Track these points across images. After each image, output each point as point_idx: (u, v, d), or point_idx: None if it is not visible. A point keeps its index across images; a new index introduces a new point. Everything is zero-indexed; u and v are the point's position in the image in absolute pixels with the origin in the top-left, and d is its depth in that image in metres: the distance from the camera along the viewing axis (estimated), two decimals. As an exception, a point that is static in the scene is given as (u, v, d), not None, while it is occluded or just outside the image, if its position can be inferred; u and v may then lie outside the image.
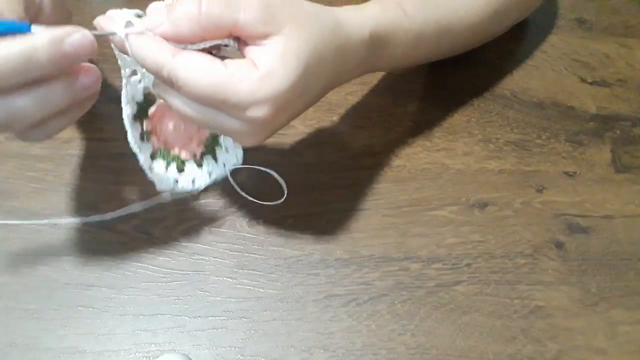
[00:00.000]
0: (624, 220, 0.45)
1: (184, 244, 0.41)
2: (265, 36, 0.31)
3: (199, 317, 0.38)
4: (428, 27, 0.42)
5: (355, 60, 0.37)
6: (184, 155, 0.41)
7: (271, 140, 0.46)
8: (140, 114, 0.38)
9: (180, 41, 0.31)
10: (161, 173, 0.40)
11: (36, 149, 0.44)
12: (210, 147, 0.42)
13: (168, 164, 0.41)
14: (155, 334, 0.38)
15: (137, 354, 0.37)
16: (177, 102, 0.32)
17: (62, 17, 0.35)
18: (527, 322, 0.40)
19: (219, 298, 0.39)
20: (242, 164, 0.42)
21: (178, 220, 0.42)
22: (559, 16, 0.59)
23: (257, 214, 0.43)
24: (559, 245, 0.44)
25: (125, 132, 0.36)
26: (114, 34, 0.31)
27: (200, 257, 0.41)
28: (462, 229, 0.44)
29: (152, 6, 0.32)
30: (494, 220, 0.44)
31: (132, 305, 0.38)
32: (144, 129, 0.39)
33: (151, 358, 0.37)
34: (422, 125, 0.49)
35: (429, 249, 0.43)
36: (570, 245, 0.44)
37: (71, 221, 0.41)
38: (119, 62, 0.34)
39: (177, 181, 0.41)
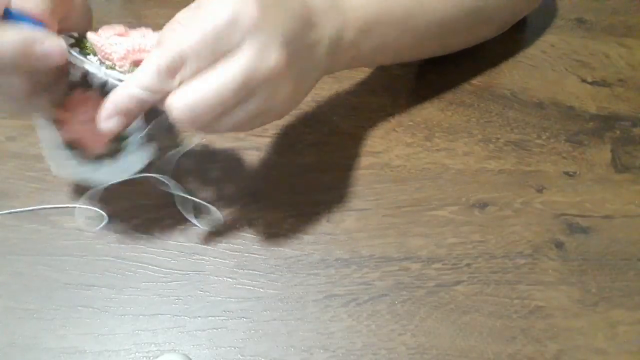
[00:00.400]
0: (624, 220, 0.45)
1: (184, 244, 0.41)
2: None
3: (199, 317, 0.38)
4: (416, 17, 0.42)
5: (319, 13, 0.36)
6: (93, 150, 0.39)
7: (271, 140, 0.47)
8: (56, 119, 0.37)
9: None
10: (60, 160, 0.38)
11: (36, 149, 0.44)
12: (121, 144, 0.39)
13: (73, 159, 0.38)
14: (155, 334, 0.38)
15: (137, 354, 0.37)
16: (200, 86, 0.32)
17: (87, 18, 0.36)
18: (527, 322, 0.40)
19: (219, 298, 0.39)
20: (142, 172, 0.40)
21: (178, 220, 0.42)
22: (559, 16, 0.59)
23: (257, 214, 0.43)
24: (559, 245, 0.44)
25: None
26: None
27: (200, 257, 0.41)
28: (462, 229, 0.44)
29: None
30: (494, 220, 0.44)
31: (132, 305, 0.38)
32: (56, 117, 0.37)
33: (151, 358, 0.37)
34: (422, 125, 0.49)
35: (429, 249, 0.43)
36: (570, 245, 0.44)
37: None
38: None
39: (95, 173, 0.39)
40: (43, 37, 0.30)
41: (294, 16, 0.34)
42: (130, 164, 0.39)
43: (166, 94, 0.31)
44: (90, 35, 0.33)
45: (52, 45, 0.30)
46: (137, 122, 0.39)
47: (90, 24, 0.35)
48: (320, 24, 0.36)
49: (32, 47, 0.29)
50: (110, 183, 0.39)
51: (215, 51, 0.31)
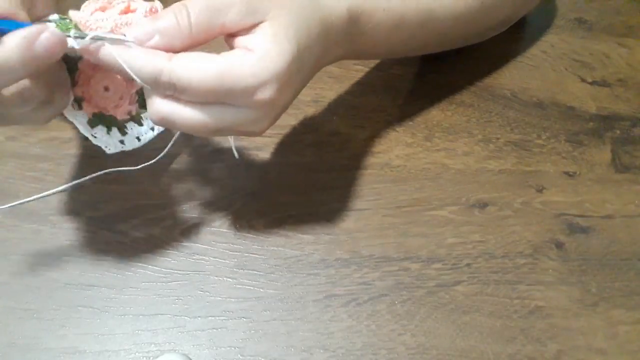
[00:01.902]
0: (624, 220, 0.45)
1: (184, 244, 0.41)
2: (253, 26, 0.31)
3: (199, 317, 0.38)
4: (408, 9, 0.42)
5: (338, 35, 0.37)
6: (119, 115, 0.39)
7: (271, 140, 0.47)
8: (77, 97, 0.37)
9: (171, 51, 0.31)
10: (104, 137, 0.38)
11: (36, 149, 0.44)
12: (144, 102, 0.39)
13: (109, 129, 0.39)
14: (155, 334, 0.38)
15: (137, 354, 0.37)
16: (183, 112, 0.32)
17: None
18: (527, 322, 0.40)
19: (219, 298, 0.39)
20: None
21: (178, 220, 0.42)
22: (559, 16, 0.59)
23: (257, 214, 0.43)
24: (559, 245, 0.44)
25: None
26: (102, 43, 0.31)
27: (200, 257, 0.41)
28: (462, 229, 0.44)
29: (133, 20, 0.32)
30: (494, 220, 0.44)
31: (132, 305, 0.38)
32: (74, 95, 0.37)
33: (151, 358, 0.37)
34: (422, 125, 0.49)
35: (429, 249, 0.43)
36: (570, 245, 0.44)
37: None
38: None
39: (123, 142, 0.39)
40: (36, 33, 0.28)
41: (302, 82, 0.35)
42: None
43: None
44: (72, 13, 0.32)
45: (49, 36, 0.29)
46: None
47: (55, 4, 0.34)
48: (329, 49, 0.37)
49: (32, 46, 0.28)
50: (145, 142, 0.39)
51: (218, 100, 0.31)
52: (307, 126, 0.48)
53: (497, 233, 0.44)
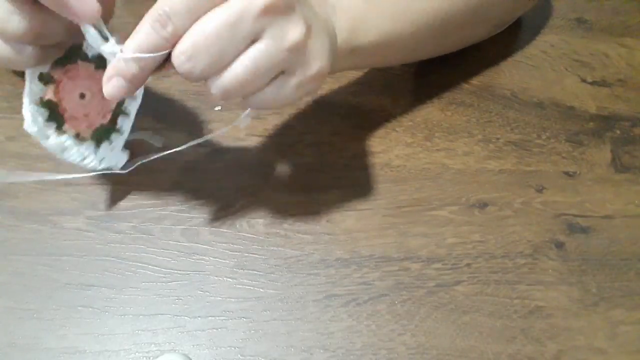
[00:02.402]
0: (624, 220, 0.45)
1: (184, 244, 0.41)
2: None
3: (199, 317, 0.38)
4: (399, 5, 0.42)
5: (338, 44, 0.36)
6: (67, 124, 0.38)
7: (271, 140, 0.47)
8: (58, 60, 0.37)
9: None
10: (35, 118, 0.38)
11: (36, 149, 0.44)
12: (98, 138, 0.39)
13: (49, 120, 0.38)
14: (155, 334, 0.38)
15: (137, 354, 0.37)
16: (197, 26, 0.30)
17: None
18: (527, 322, 0.40)
19: (219, 298, 0.39)
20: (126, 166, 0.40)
21: (178, 220, 0.42)
22: (559, 16, 0.59)
23: (257, 214, 0.43)
24: (559, 245, 0.44)
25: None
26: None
27: (200, 257, 0.41)
28: (462, 229, 0.44)
29: None
30: (494, 220, 0.44)
31: (132, 305, 0.38)
32: (49, 71, 0.37)
33: (151, 358, 0.37)
34: (422, 125, 0.49)
35: (429, 249, 0.43)
36: (570, 245, 0.44)
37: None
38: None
39: (47, 137, 0.38)
40: None
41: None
42: (104, 157, 0.40)
43: (163, 49, 0.30)
44: None
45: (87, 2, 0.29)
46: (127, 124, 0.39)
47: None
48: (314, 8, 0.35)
49: None
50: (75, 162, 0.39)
51: (233, 40, 0.30)
52: (307, 126, 0.48)
53: (497, 233, 0.44)
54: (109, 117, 0.39)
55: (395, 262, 0.42)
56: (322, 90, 0.50)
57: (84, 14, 0.30)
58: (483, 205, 0.45)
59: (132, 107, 0.39)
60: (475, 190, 0.46)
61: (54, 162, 0.43)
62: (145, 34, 0.30)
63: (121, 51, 0.31)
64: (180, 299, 0.39)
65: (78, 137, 0.39)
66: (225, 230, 0.42)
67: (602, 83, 0.54)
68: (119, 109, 0.39)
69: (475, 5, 0.46)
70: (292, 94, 0.33)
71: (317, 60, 0.33)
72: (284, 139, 0.47)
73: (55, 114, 0.38)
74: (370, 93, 0.51)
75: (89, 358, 0.36)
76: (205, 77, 0.32)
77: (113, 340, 0.37)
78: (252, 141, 0.46)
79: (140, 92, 0.38)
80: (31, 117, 0.37)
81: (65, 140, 0.38)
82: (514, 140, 0.49)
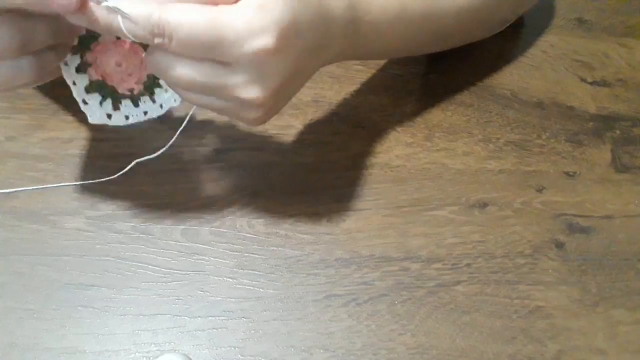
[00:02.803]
0: (624, 220, 0.45)
1: (184, 244, 0.41)
2: None
3: (199, 317, 0.38)
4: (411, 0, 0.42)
5: (337, 22, 0.36)
6: (120, 90, 0.40)
7: (271, 140, 0.47)
8: (82, 47, 0.37)
9: None
10: (94, 106, 0.39)
11: (36, 149, 0.44)
12: (149, 87, 0.41)
13: (103, 99, 0.39)
14: (155, 334, 0.38)
15: (137, 354, 0.37)
16: (173, 62, 0.32)
17: None
18: (527, 322, 0.40)
19: (219, 298, 0.39)
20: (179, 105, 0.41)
21: (178, 220, 0.42)
22: (559, 16, 0.59)
23: (257, 214, 0.43)
24: (559, 245, 0.44)
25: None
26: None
27: (200, 257, 0.41)
28: (462, 229, 0.44)
29: None
30: (494, 220, 0.44)
31: (132, 305, 0.38)
32: (83, 60, 0.37)
33: (151, 358, 0.37)
34: (422, 125, 0.49)
35: (429, 249, 0.43)
36: (570, 245, 0.44)
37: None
38: None
39: (110, 116, 0.39)
40: None
41: (305, 47, 0.33)
42: (164, 102, 0.41)
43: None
44: None
45: None
46: None
47: None
48: (333, 33, 0.36)
49: None
50: (140, 121, 0.40)
51: (209, 50, 0.30)
52: (307, 126, 0.48)
53: (497, 233, 0.44)
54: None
55: (395, 262, 0.42)
56: (322, 91, 0.50)
57: (62, 5, 0.29)
58: (483, 205, 0.45)
59: None
60: (475, 190, 0.46)
61: (54, 162, 0.44)
62: (135, 21, 0.30)
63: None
64: (180, 299, 0.39)
65: (133, 94, 0.40)
66: (225, 230, 0.42)
67: (602, 83, 0.54)
68: None
69: (479, 3, 0.46)
70: (218, 112, 0.36)
71: (252, 115, 0.34)
72: (284, 139, 0.47)
73: (106, 90, 0.39)
74: (370, 93, 0.51)
75: (89, 358, 0.36)
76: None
77: (113, 340, 0.37)
78: (252, 141, 0.46)
79: None
80: (89, 110, 0.38)
81: (123, 108, 0.40)
82: (514, 140, 0.49)
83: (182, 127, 0.43)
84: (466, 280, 0.41)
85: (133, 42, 0.37)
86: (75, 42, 0.36)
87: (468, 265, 0.42)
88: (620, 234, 0.45)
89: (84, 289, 0.39)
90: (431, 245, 0.43)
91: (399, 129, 0.49)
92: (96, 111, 0.39)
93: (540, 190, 0.46)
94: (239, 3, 0.30)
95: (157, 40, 0.30)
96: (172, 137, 0.43)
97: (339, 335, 0.38)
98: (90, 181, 0.42)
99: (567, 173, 0.48)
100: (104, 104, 0.39)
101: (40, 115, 0.46)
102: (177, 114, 0.47)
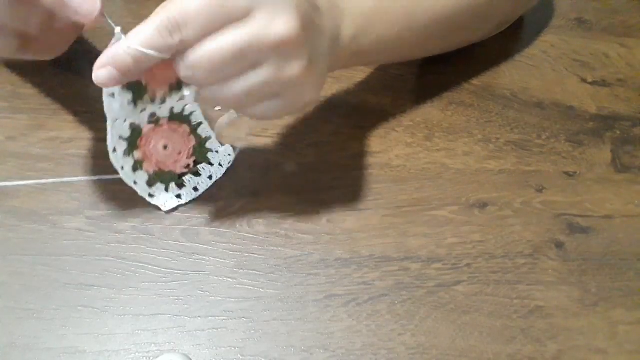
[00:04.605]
0: (624, 220, 0.45)
1: (184, 244, 0.41)
2: None
3: (199, 317, 0.38)
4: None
5: (325, 23, 0.36)
6: (178, 170, 0.42)
7: (271, 140, 0.47)
8: (130, 148, 0.39)
9: None
10: (162, 195, 0.42)
11: (36, 149, 0.44)
12: (201, 154, 0.43)
13: (167, 185, 0.42)
14: (155, 334, 0.38)
15: (137, 354, 0.37)
16: (200, 48, 0.31)
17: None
18: (527, 322, 0.40)
19: (219, 298, 0.39)
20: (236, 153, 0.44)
21: (178, 220, 0.42)
22: (559, 16, 0.59)
23: (257, 214, 0.43)
24: (559, 245, 0.44)
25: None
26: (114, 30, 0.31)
27: (200, 257, 0.41)
28: (462, 229, 0.44)
29: None
30: (494, 220, 0.44)
31: (132, 305, 0.38)
32: (135, 159, 0.40)
33: (151, 358, 0.37)
34: (422, 125, 0.49)
35: (429, 249, 0.43)
36: (570, 245, 0.44)
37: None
38: (105, 109, 0.35)
39: (179, 196, 0.42)
40: None
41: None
42: (221, 160, 0.44)
43: (166, 53, 0.31)
44: None
45: (85, 2, 0.30)
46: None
47: None
48: (322, 18, 0.36)
49: None
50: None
51: (221, 14, 0.30)
52: (307, 126, 0.48)
53: (497, 233, 0.44)
54: (192, 159, 0.43)
55: (395, 262, 0.42)
56: (322, 90, 0.50)
57: (85, 13, 0.30)
58: (483, 205, 0.45)
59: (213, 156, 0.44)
60: (475, 190, 0.46)
61: (54, 162, 0.44)
62: (150, 34, 0.30)
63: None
64: (180, 299, 0.39)
65: (190, 169, 0.43)
66: (225, 230, 0.42)
67: (602, 83, 0.54)
68: (200, 149, 0.43)
69: (479, 4, 0.46)
70: (278, 114, 0.36)
71: (309, 93, 0.35)
72: (284, 139, 0.47)
73: (165, 177, 0.42)
74: (370, 93, 0.51)
75: (89, 358, 0.36)
76: (202, 86, 0.33)
77: (113, 340, 0.37)
78: (252, 141, 0.46)
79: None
80: (158, 201, 0.42)
81: (188, 183, 0.43)
82: (514, 140, 0.49)
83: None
84: (466, 280, 0.41)
85: (171, 121, 0.40)
86: (125, 146, 0.38)
87: (468, 265, 0.42)
88: (620, 234, 0.45)
89: (84, 289, 0.39)
90: (431, 245, 0.43)
91: (398, 129, 0.49)
92: (165, 198, 0.41)
93: (540, 190, 0.46)
94: None
95: (176, 37, 0.30)
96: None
97: (339, 335, 0.38)
98: (96, 177, 0.43)
99: (567, 173, 0.48)
100: (169, 189, 0.42)
101: (40, 115, 0.46)
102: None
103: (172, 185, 0.42)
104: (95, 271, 0.39)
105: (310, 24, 0.33)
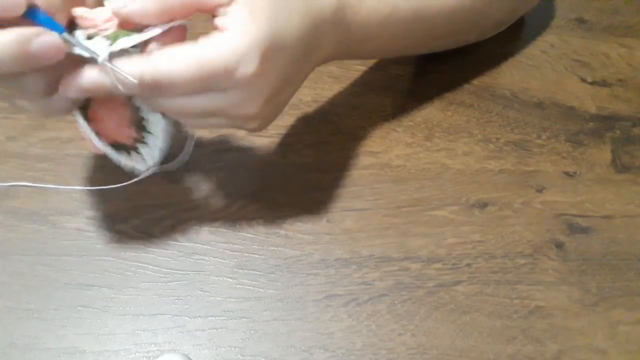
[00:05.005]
0: (624, 220, 0.45)
1: (184, 244, 0.41)
2: (228, 3, 0.31)
3: (199, 317, 0.38)
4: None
5: (326, 23, 0.36)
6: (125, 141, 0.38)
7: (271, 141, 0.47)
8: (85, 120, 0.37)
9: (145, 22, 0.31)
10: (130, 162, 0.38)
11: (36, 149, 0.44)
12: (141, 126, 0.39)
13: (128, 153, 0.38)
14: (155, 334, 0.38)
15: (137, 354, 0.37)
16: (173, 102, 0.33)
17: None
18: (527, 322, 0.40)
19: (219, 298, 0.39)
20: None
21: (178, 220, 0.42)
22: (559, 16, 0.59)
23: (257, 214, 0.43)
24: (559, 245, 0.44)
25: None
26: (96, 55, 0.31)
27: (200, 257, 0.41)
28: (462, 229, 0.44)
29: None
30: (494, 220, 0.44)
31: (132, 305, 0.38)
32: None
33: (151, 358, 0.37)
34: (422, 125, 0.49)
35: (429, 249, 0.43)
36: (570, 245, 0.44)
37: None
38: None
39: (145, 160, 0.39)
40: (36, 34, 0.29)
41: (291, 62, 0.34)
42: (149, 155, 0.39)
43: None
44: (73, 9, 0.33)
45: (46, 40, 0.29)
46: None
47: None
48: (321, 42, 0.36)
49: (26, 45, 0.29)
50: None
51: (203, 86, 0.31)
52: (307, 126, 0.48)
53: (497, 233, 0.44)
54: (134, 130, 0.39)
55: (395, 262, 0.42)
56: (322, 91, 0.50)
57: (52, 54, 0.30)
58: (483, 205, 0.45)
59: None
60: (475, 190, 0.46)
61: (54, 162, 0.44)
62: (132, 85, 0.31)
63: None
64: (180, 299, 0.39)
65: (130, 149, 0.39)
66: (225, 230, 0.42)
67: (602, 83, 0.54)
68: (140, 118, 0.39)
69: (478, 3, 0.46)
70: (220, 127, 0.38)
71: (250, 126, 0.36)
72: (284, 139, 0.47)
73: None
74: (370, 93, 0.51)
75: (89, 358, 0.36)
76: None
77: (113, 340, 0.37)
78: (252, 141, 0.46)
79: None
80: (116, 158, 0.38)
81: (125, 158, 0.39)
82: (514, 140, 0.49)
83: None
84: (466, 280, 0.41)
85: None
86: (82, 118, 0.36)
87: (468, 265, 0.42)
88: (620, 234, 0.45)
89: (83, 289, 0.39)
90: (431, 245, 0.43)
91: (399, 129, 0.49)
92: (135, 164, 0.38)
93: (540, 190, 0.46)
94: (216, 35, 0.31)
95: (155, 94, 0.32)
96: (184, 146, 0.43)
97: (339, 335, 0.38)
98: (98, 187, 0.42)
99: (567, 173, 0.48)
100: (132, 156, 0.38)
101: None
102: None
103: (133, 153, 0.39)
104: (95, 271, 0.39)
105: (281, 96, 0.36)
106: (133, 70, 0.30)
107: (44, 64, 0.30)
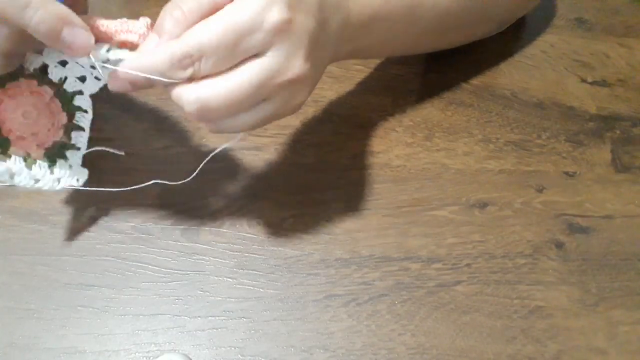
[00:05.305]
0: (624, 220, 0.45)
1: (184, 244, 0.41)
2: None
3: (199, 317, 0.38)
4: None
5: (332, 19, 0.36)
6: (16, 146, 0.36)
7: (271, 141, 0.47)
8: None
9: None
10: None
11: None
12: (51, 156, 0.37)
13: (6, 157, 0.35)
14: (155, 334, 0.38)
15: (137, 354, 0.37)
16: (214, 85, 0.31)
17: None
18: (527, 322, 0.40)
19: (219, 298, 0.39)
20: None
21: (178, 220, 0.42)
22: (559, 16, 0.59)
23: (257, 214, 0.43)
24: (559, 245, 0.44)
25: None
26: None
27: (200, 257, 0.41)
28: (462, 229, 0.44)
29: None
30: (494, 220, 0.44)
31: (132, 305, 0.38)
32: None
33: (151, 358, 0.37)
34: (422, 125, 0.49)
35: (429, 249, 0.43)
36: (570, 245, 0.44)
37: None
38: None
39: (14, 175, 0.36)
40: (77, 23, 0.30)
41: (314, 18, 0.33)
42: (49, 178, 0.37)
43: (173, 82, 0.31)
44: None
45: (81, 34, 0.30)
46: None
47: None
48: (329, 18, 0.36)
49: (62, 26, 0.29)
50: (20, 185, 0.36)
51: (237, 50, 0.30)
52: (307, 126, 0.48)
53: (497, 233, 0.44)
54: (61, 133, 0.37)
55: (395, 262, 0.42)
56: (322, 91, 0.50)
57: (77, 49, 0.30)
58: (483, 205, 0.45)
59: (85, 120, 0.37)
60: (475, 190, 0.46)
61: (54, 162, 0.44)
62: (161, 63, 0.30)
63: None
64: (180, 299, 0.39)
65: (28, 158, 0.36)
66: (225, 230, 0.42)
67: (602, 83, 0.54)
68: (71, 124, 0.37)
69: (479, 2, 0.46)
70: (264, 122, 0.35)
71: (301, 96, 0.35)
72: (284, 139, 0.47)
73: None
74: (370, 93, 0.51)
75: (89, 358, 0.36)
76: (208, 121, 0.33)
77: (113, 340, 0.37)
78: (252, 141, 0.46)
79: (90, 105, 0.37)
80: None
81: (13, 164, 0.35)
82: (514, 140, 0.49)
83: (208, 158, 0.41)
84: (466, 280, 0.41)
85: (52, 101, 0.35)
86: None
87: (468, 265, 0.42)
88: (620, 234, 0.45)
89: (84, 289, 0.39)
90: (431, 245, 0.43)
91: (399, 129, 0.49)
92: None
93: (540, 190, 0.46)
94: None
95: (189, 70, 0.31)
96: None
97: (339, 335, 0.38)
98: (98, 188, 0.42)
99: (567, 173, 0.48)
100: (10, 161, 0.35)
101: (40, 115, 0.46)
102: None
103: (17, 160, 0.35)
104: (95, 271, 0.39)
105: (317, 55, 0.34)
106: (162, 53, 0.30)
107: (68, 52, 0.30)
